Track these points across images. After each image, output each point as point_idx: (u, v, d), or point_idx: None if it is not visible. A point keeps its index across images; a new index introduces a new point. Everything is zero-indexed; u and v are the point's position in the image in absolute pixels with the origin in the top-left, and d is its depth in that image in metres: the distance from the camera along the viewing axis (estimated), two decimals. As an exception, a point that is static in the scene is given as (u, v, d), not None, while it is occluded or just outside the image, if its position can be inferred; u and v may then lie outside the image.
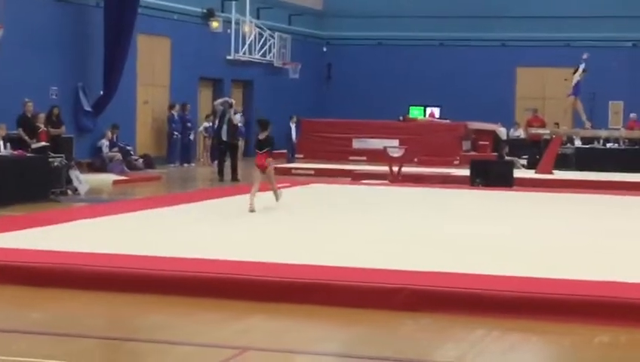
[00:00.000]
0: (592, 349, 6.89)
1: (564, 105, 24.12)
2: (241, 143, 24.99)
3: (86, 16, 23.70)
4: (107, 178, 21.09)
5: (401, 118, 31.86)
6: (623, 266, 9.26)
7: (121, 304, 8.03)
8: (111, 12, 23.24)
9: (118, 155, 23.57)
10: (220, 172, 22.14)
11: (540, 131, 26.80)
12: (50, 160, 17.02)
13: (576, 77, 22.95)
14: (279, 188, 14.64)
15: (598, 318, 7.38)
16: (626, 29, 33.68)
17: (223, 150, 22.58)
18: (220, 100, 23.83)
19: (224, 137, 22.24)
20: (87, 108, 23.41)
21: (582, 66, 22.92)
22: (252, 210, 13.56)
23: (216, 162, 23.72)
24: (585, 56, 22.89)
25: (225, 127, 22.23)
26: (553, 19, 34.18)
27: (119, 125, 24.07)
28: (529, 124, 30.11)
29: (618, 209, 15.51)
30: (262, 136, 14.26)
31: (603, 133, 26.98)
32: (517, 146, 28.76)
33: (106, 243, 10.05)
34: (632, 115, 29.12)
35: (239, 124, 23.07)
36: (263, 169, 14.03)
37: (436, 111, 33.14)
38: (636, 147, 27.07)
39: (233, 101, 23.79)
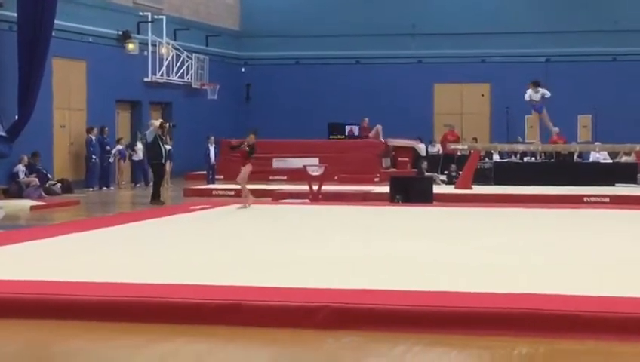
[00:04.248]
0: (512, 361, 6.96)
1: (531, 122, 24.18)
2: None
3: (-1, 40, 23.41)
4: (24, 204, 20.78)
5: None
6: (540, 278, 9.37)
7: (36, 331, 7.87)
8: (25, 35, 22.82)
9: (35, 180, 23.25)
10: (158, 194, 21.60)
11: (459, 146, 27.07)
12: (-36, 187, 16.70)
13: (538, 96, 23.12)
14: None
15: (517, 330, 7.45)
16: (540, 44, 34.28)
17: (159, 173, 22.01)
18: (151, 128, 22.67)
19: (162, 160, 21.83)
20: (2, 133, 22.98)
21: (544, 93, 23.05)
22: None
23: (139, 185, 23.45)
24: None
25: (162, 149, 21.75)
26: (468, 35, 34.66)
27: (35, 150, 23.75)
28: (445, 139, 30.55)
29: (535, 222, 15.71)
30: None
31: (520, 147, 27.35)
32: (436, 162, 29.07)
33: (22, 269, 9.88)
34: (555, 129, 29.53)
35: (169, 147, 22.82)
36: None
37: (355, 128, 33.27)
38: (552, 160, 27.48)
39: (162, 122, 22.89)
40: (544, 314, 7.58)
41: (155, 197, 21.36)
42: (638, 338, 7.29)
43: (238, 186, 18.94)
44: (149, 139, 21.68)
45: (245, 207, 17.94)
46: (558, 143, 26.93)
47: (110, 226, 14.87)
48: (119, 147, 27.58)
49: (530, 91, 23.01)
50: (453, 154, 27.85)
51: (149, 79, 29.98)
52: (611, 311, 7.59)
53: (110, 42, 28.26)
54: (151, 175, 23.64)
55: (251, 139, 18.14)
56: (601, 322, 7.46)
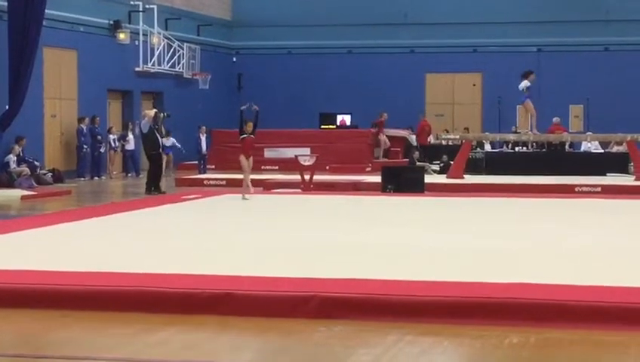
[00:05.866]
0: (503, 350, 6.96)
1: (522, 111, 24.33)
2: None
3: (-10, 30, 23.30)
4: (15, 193, 20.74)
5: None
6: (531, 268, 9.39)
7: (29, 320, 7.86)
8: (15, 25, 22.85)
9: (26, 170, 23.19)
10: (158, 184, 21.42)
11: (450, 136, 27.12)
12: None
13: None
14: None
15: (508, 320, 7.46)
16: (531, 34, 34.27)
17: (159, 163, 21.73)
18: (146, 119, 22.35)
19: (159, 150, 21.62)
20: (-7, 122, 22.98)
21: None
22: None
23: (130, 175, 23.24)
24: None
25: (159, 139, 21.52)
26: (460, 25, 34.63)
27: (27, 140, 23.69)
28: (422, 130, 30.93)
29: (526, 212, 15.73)
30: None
31: (511, 137, 27.37)
32: (423, 152, 29.11)
33: (13, 259, 9.86)
34: (556, 119, 29.57)
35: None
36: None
37: (347, 118, 33.27)
38: (544, 150, 27.50)
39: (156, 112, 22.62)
40: (535, 304, 7.59)
41: (156, 188, 21.10)
42: (628, 328, 7.31)
43: (230, 176, 18.94)
44: (145, 129, 21.45)
45: (246, 197, 17.96)
46: (555, 133, 27.00)
47: (102, 216, 14.85)
48: (113, 137, 27.56)
49: (525, 81, 23.09)
50: (425, 143, 28.42)
51: (140, 69, 29.92)
52: (602, 301, 7.61)
53: (101, 32, 28.19)
54: (143, 165, 23.50)
55: (250, 126, 18.20)
56: (591, 312, 7.47)
